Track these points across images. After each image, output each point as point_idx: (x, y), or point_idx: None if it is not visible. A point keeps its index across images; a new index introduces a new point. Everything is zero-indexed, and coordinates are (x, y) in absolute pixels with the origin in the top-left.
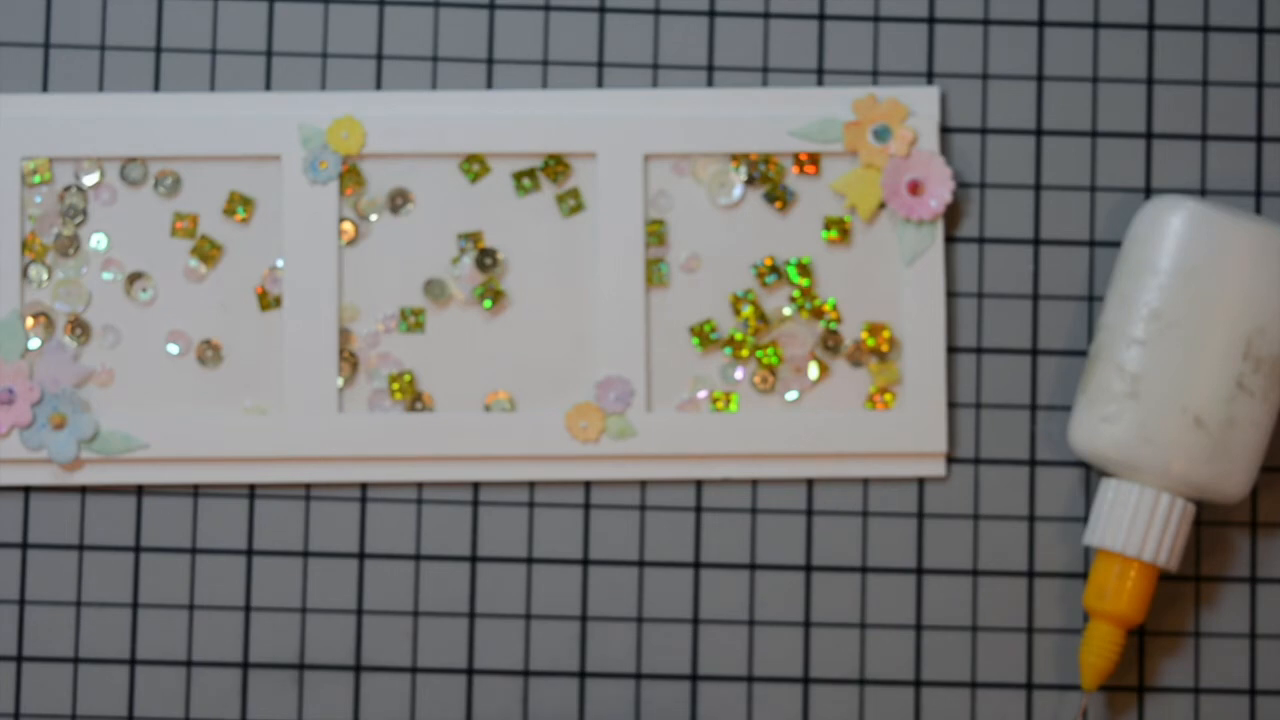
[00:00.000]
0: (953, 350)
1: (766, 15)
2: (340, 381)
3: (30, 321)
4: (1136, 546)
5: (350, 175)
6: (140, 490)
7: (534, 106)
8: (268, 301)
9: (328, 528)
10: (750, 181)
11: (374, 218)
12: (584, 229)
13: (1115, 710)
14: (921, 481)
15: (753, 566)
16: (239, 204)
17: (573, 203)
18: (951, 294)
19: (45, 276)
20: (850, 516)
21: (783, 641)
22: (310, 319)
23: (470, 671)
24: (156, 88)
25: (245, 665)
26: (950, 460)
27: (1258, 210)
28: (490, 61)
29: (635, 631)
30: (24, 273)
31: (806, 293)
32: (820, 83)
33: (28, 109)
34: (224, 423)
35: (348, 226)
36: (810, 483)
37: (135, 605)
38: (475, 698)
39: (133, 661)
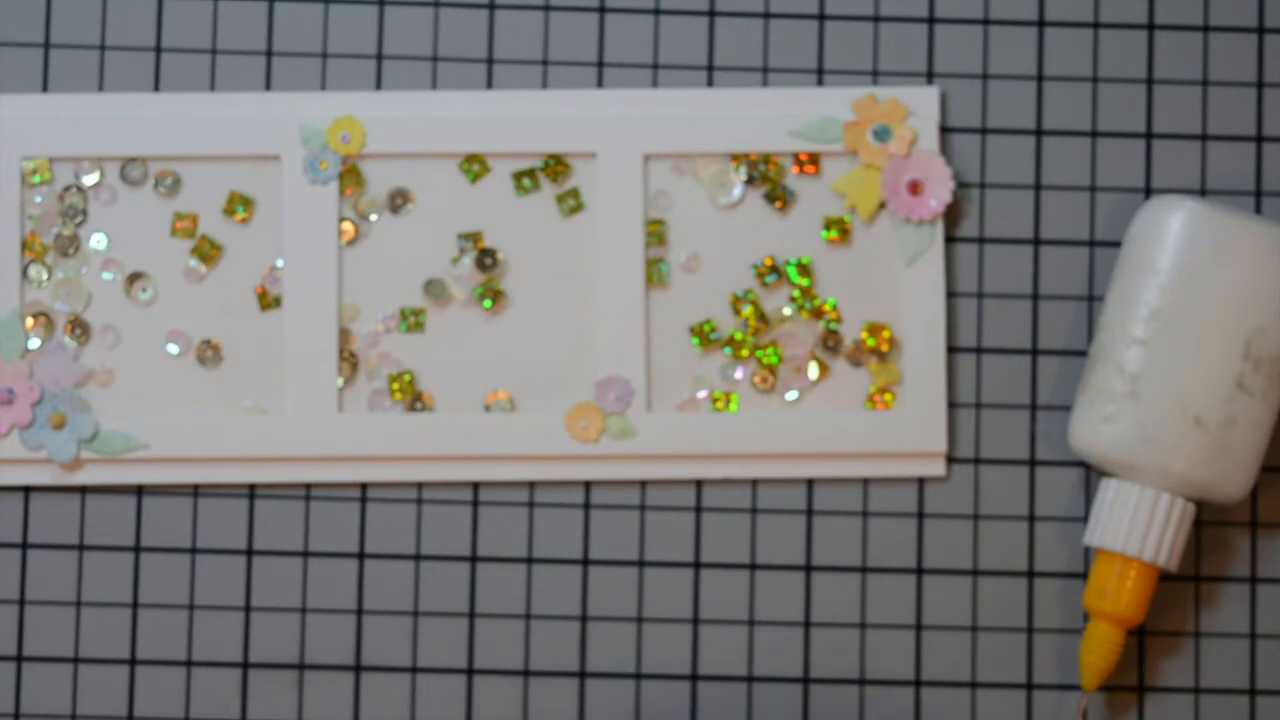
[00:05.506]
0: (953, 350)
1: (766, 15)
2: (340, 381)
3: (30, 321)
4: (1136, 546)
5: (350, 175)
6: (140, 490)
7: (534, 106)
8: (268, 301)
9: (328, 528)
10: (750, 181)
11: (374, 218)
12: (584, 229)
13: (1115, 710)
14: (921, 481)
15: (753, 566)
16: (239, 204)
17: (573, 203)
18: (951, 294)
19: (45, 276)
20: (850, 516)
21: (783, 641)
22: (310, 319)
23: (470, 671)
24: (156, 88)
25: (245, 665)
26: (950, 460)
27: (1258, 210)
28: (490, 61)
29: (635, 631)
30: (24, 273)
31: (806, 293)
32: (820, 83)
33: (28, 109)
34: (224, 423)
35: (348, 226)
36: (810, 483)
37: (135, 605)
38: (475, 698)
39: (133, 661)
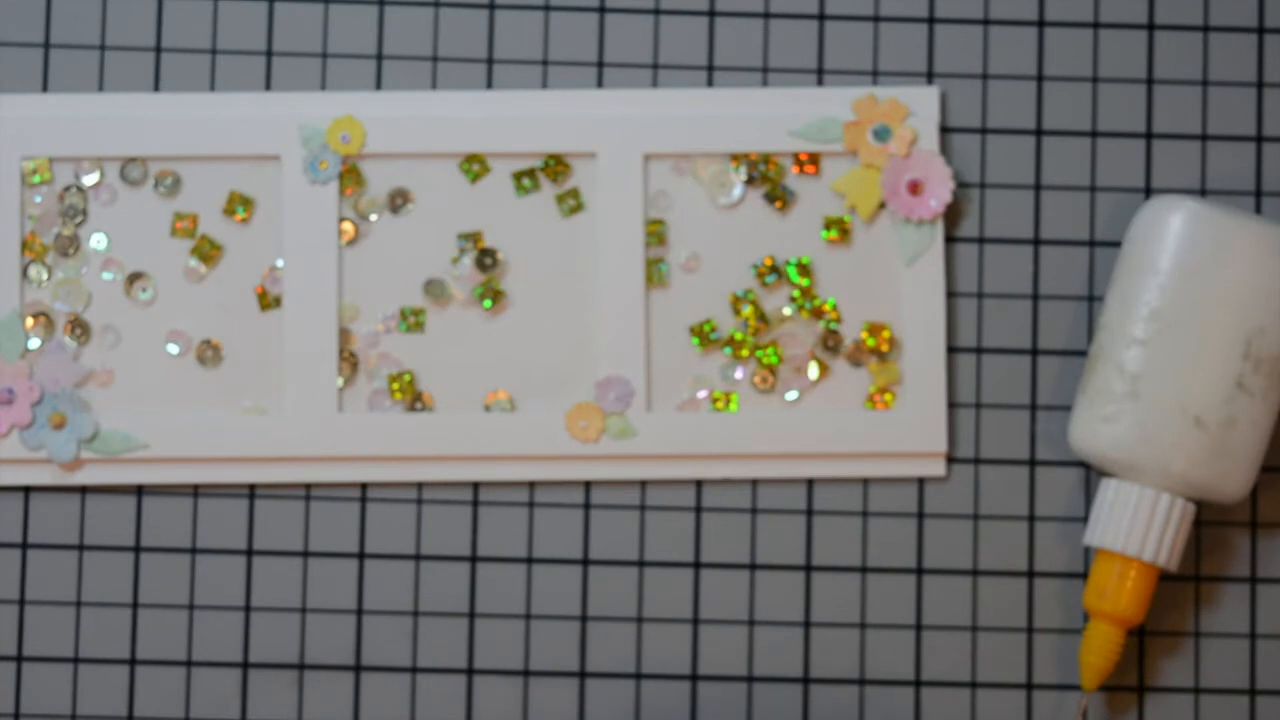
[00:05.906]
0: (953, 350)
1: (766, 15)
2: (340, 381)
3: (30, 321)
4: (1136, 546)
5: (350, 175)
6: (140, 490)
7: (534, 106)
8: (268, 301)
9: (328, 528)
10: (750, 181)
11: (374, 218)
12: (584, 229)
13: (1115, 710)
14: (921, 481)
15: (753, 566)
16: (239, 204)
17: (573, 203)
18: (951, 294)
19: (45, 276)
20: (850, 516)
21: (783, 641)
22: (310, 319)
23: (470, 671)
24: (156, 88)
25: (245, 665)
26: (950, 460)
27: (1258, 210)
28: (490, 61)
29: (635, 631)
30: (24, 273)
31: (806, 293)
32: (820, 83)
33: (28, 109)
34: (224, 423)
35: (348, 226)
36: (810, 483)
37: (135, 605)
38: (475, 698)
39: (133, 661)
